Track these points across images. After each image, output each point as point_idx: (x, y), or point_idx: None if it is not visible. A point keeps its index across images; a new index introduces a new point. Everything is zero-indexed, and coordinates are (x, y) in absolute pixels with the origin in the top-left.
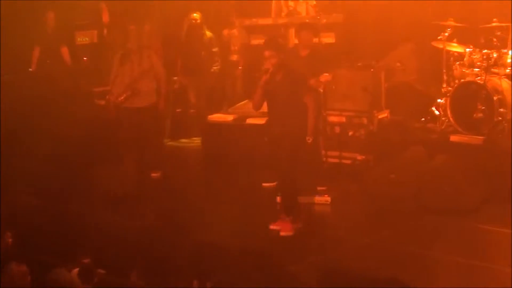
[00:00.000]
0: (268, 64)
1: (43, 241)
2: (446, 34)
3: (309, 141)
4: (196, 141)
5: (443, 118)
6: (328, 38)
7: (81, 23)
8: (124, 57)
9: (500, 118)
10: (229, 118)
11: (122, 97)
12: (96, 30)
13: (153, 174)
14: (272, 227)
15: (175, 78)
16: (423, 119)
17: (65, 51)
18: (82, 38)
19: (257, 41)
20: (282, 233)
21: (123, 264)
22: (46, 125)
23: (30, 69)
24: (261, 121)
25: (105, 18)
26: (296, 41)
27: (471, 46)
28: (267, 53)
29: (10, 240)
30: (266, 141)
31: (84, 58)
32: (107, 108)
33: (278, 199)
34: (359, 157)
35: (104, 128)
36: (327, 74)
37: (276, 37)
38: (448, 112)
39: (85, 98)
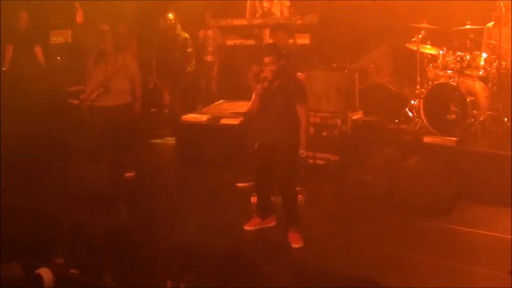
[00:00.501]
0: (267, 71)
1: (16, 241)
2: (420, 36)
3: (303, 155)
4: (170, 141)
5: (416, 120)
6: (303, 39)
7: (55, 22)
8: (98, 57)
9: (473, 120)
10: (203, 118)
11: (94, 94)
12: (70, 30)
13: (127, 174)
14: (295, 245)
15: (150, 78)
16: (396, 120)
17: (38, 50)
18: (56, 38)
19: (232, 41)
20: (294, 245)
21: (97, 264)
22: (19, 124)
23: (3, 68)
24: (235, 121)
25: (79, 17)
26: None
27: (445, 48)
28: (267, 59)
29: None
30: (255, 148)
31: (58, 58)
32: (80, 108)
33: (252, 199)
34: (333, 158)
35: (78, 128)
36: (300, 74)
37: (274, 43)
38: (422, 113)
39: (58, 98)
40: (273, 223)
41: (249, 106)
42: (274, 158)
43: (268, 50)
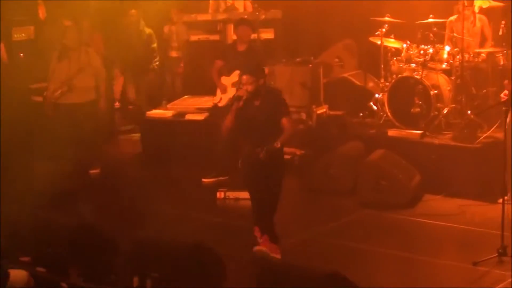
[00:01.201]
0: (242, 90)
1: None
2: (383, 30)
3: (277, 146)
4: (135, 137)
5: (381, 113)
6: (267, 34)
7: (17, 19)
8: (61, 54)
9: (436, 113)
10: (168, 114)
11: (58, 93)
12: (33, 26)
13: (92, 171)
14: (257, 248)
15: (114, 75)
16: (361, 114)
17: (1, 47)
18: (19, 34)
19: (196, 37)
20: (272, 255)
21: (63, 262)
22: None
23: None
24: (200, 116)
25: (42, 14)
26: (235, 37)
27: (408, 42)
28: (244, 77)
29: None
30: (239, 165)
31: (21, 54)
32: (44, 105)
33: (218, 194)
34: (298, 152)
35: (42, 125)
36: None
37: (258, 63)
38: (386, 107)
39: (21, 95)
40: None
41: (224, 123)
42: (263, 171)
43: (248, 68)
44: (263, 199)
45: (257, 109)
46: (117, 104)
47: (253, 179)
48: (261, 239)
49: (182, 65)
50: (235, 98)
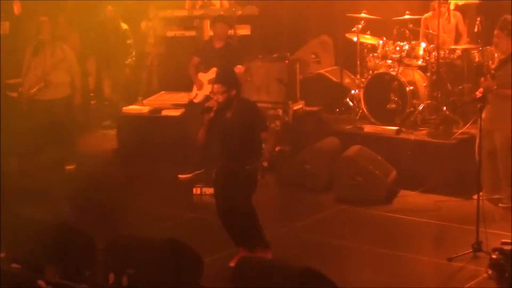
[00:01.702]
0: (212, 101)
1: None
2: (360, 26)
3: (265, 165)
4: (111, 133)
5: (357, 109)
6: (243, 30)
7: None
8: (37, 49)
9: (412, 109)
10: (145, 110)
11: (35, 89)
12: (8, 22)
13: (68, 167)
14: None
15: (90, 70)
16: (337, 110)
17: None
18: None
19: (173, 32)
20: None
21: (38, 259)
22: None
23: None
24: (177, 112)
25: (17, 9)
26: (211, 33)
27: (384, 38)
28: (215, 87)
29: None
30: (213, 177)
31: None
32: (19, 101)
33: (195, 190)
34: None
35: (17, 121)
36: (240, 66)
37: (230, 68)
38: (362, 103)
39: None
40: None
41: (198, 136)
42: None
43: (218, 76)
44: (237, 218)
45: (229, 122)
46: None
47: (226, 196)
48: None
49: (156, 60)
50: (205, 109)
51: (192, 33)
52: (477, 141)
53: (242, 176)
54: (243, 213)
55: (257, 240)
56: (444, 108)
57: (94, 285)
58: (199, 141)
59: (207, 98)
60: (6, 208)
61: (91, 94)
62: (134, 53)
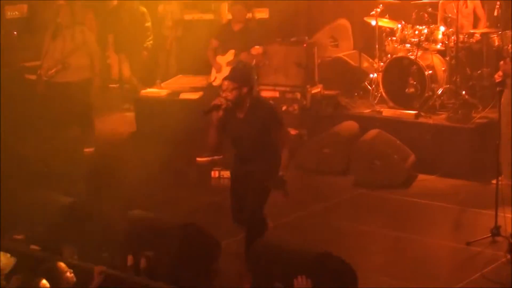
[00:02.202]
0: (220, 98)
1: None
2: (378, 10)
3: (283, 177)
4: (130, 116)
5: (375, 93)
6: (262, 13)
7: None
8: (55, 32)
9: (431, 93)
10: (163, 93)
11: (52, 71)
12: (26, 4)
13: (86, 150)
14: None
15: (108, 53)
16: (356, 94)
17: None
18: (12, 12)
19: (191, 15)
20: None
21: (57, 240)
22: None
23: None
24: (195, 95)
25: None
26: (229, 16)
27: (403, 22)
28: (225, 83)
29: None
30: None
31: (14, 32)
32: (38, 83)
33: (213, 173)
34: (292, 132)
35: (36, 103)
36: (258, 47)
37: (246, 64)
38: (380, 87)
39: (15, 73)
40: None
41: (207, 140)
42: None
43: (230, 73)
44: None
45: (242, 123)
46: (114, 85)
47: (242, 205)
48: None
49: (174, 43)
50: (212, 108)
51: (210, 16)
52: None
53: (256, 183)
54: (252, 222)
55: None
56: (463, 92)
57: (112, 266)
58: (209, 144)
59: None
60: (24, 190)
61: (114, 78)
62: (152, 36)
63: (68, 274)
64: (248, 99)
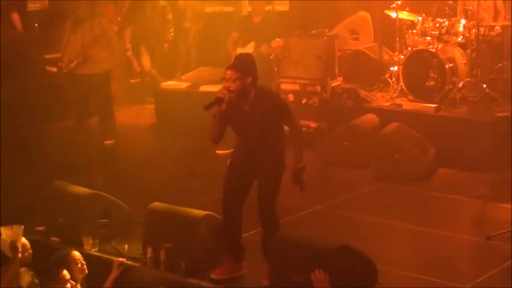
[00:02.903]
0: (223, 91)
1: None
2: (399, 2)
3: (301, 169)
4: (150, 108)
5: (395, 86)
6: (282, 6)
7: None
8: (75, 24)
9: (451, 86)
10: (183, 85)
11: (73, 64)
12: None
13: (107, 142)
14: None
15: (128, 45)
16: (376, 87)
17: (16, 17)
18: (33, 5)
19: (211, 8)
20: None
21: (77, 232)
22: None
23: None
24: (215, 88)
25: None
26: (249, 9)
27: (423, 15)
28: (228, 73)
29: None
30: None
31: (35, 25)
32: (58, 75)
33: None
34: (312, 125)
35: (56, 95)
36: (278, 39)
37: (249, 54)
38: (401, 80)
39: (36, 65)
40: (244, 270)
41: (210, 134)
42: (249, 188)
43: (234, 62)
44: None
45: (247, 115)
46: (134, 79)
47: (237, 198)
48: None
49: (194, 35)
50: (215, 101)
51: (230, 8)
52: None
53: (265, 176)
54: (267, 222)
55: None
56: (484, 85)
57: (132, 258)
58: (212, 136)
59: None
60: (43, 181)
61: (135, 70)
62: (172, 28)
63: (79, 266)
64: (253, 90)
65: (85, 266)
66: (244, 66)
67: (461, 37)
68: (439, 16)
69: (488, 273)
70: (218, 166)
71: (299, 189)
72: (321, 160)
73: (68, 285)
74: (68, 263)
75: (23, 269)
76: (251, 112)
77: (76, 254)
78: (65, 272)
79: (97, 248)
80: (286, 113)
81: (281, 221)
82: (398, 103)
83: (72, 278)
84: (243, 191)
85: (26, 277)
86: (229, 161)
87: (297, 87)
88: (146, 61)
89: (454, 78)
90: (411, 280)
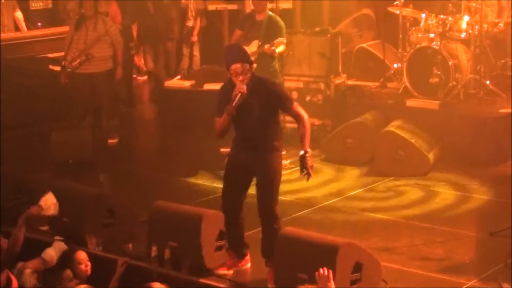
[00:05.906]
0: (240, 86)
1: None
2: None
3: (305, 153)
4: (154, 106)
5: (399, 83)
6: (285, 4)
7: None
8: (79, 23)
9: (455, 83)
10: (187, 83)
11: (76, 62)
12: None
13: (110, 141)
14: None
15: (132, 44)
16: (379, 84)
17: (19, 16)
18: (36, 4)
19: (214, 6)
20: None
21: (80, 231)
22: None
23: None
24: (218, 86)
25: None
26: (253, 7)
27: (427, 12)
28: (235, 67)
29: None
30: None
31: (39, 24)
32: (62, 74)
33: None
34: (316, 122)
35: (59, 94)
36: (282, 39)
37: (238, 44)
38: (405, 77)
39: (39, 64)
40: (248, 264)
41: (215, 127)
42: (249, 181)
43: (236, 55)
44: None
45: (249, 106)
46: (138, 76)
47: (236, 191)
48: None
49: (198, 34)
50: (241, 97)
51: (234, 6)
52: None
53: (265, 167)
54: (268, 216)
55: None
56: (487, 82)
57: (136, 257)
58: (220, 133)
59: None
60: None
61: (144, 69)
62: (176, 26)
63: (82, 266)
64: (251, 78)
65: (89, 266)
66: (246, 55)
67: (465, 33)
68: (442, 13)
69: (491, 269)
70: (222, 164)
71: (305, 177)
72: (325, 157)
73: (72, 284)
74: (70, 263)
75: (28, 270)
76: (249, 100)
77: (81, 254)
78: (69, 271)
79: (101, 247)
80: (286, 99)
81: (281, 221)
82: (401, 99)
83: (76, 277)
84: (242, 183)
85: (31, 279)
86: (227, 153)
87: (301, 85)
88: (149, 59)
89: (457, 75)
90: (416, 277)
